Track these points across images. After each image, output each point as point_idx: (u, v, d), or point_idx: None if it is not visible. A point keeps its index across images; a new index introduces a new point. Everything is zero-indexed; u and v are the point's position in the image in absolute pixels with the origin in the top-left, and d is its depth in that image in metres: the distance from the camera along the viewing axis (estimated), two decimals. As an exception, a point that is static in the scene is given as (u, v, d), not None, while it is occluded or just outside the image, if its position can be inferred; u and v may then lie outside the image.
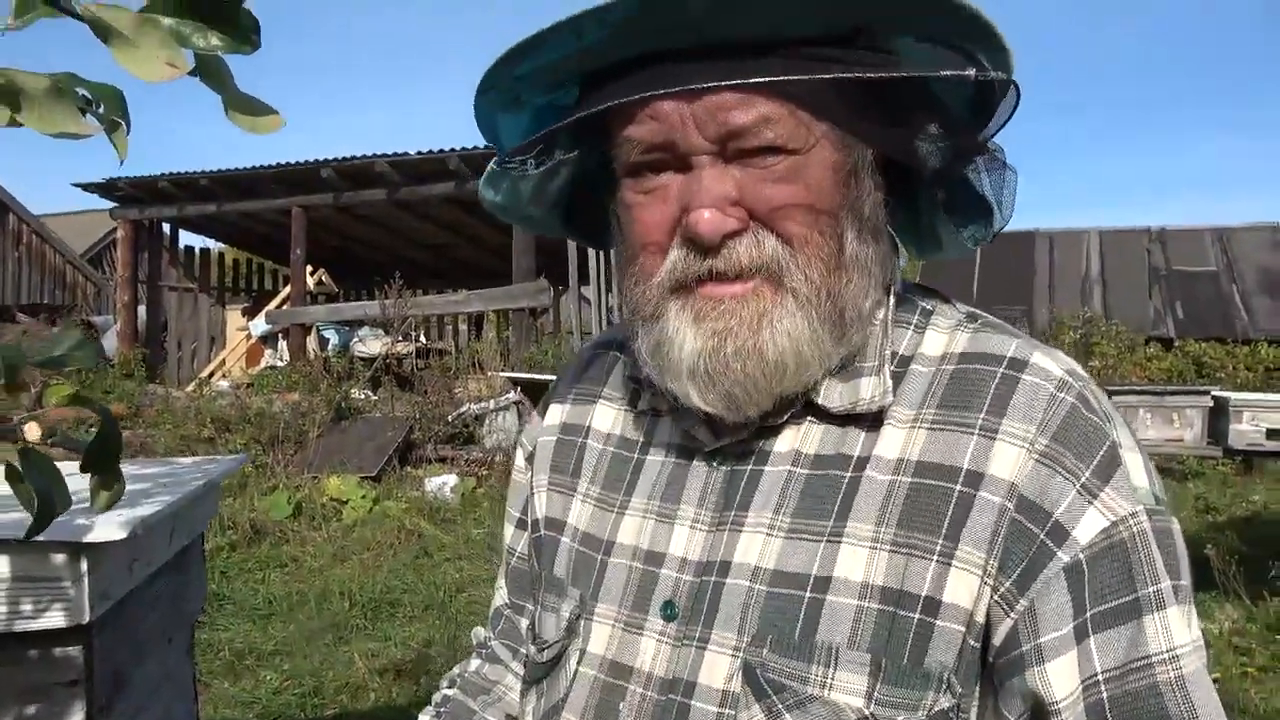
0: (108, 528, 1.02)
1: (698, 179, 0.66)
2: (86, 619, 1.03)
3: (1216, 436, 8.80)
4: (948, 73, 0.65)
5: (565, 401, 0.92)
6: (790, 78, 0.63)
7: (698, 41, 0.64)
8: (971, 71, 0.65)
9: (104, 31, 0.57)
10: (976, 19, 0.63)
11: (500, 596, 0.97)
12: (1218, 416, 8.82)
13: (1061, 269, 15.40)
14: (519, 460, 0.96)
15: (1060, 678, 0.64)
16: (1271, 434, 6.11)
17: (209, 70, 0.62)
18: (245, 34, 0.62)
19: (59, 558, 1.02)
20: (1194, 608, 0.66)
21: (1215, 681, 0.69)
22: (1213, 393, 9.12)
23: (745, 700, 0.67)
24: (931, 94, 0.70)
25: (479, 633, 1.00)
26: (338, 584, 4.70)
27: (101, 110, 0.77)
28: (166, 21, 0.59)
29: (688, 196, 0.67)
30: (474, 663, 0.97)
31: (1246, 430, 8.46)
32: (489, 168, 0.77)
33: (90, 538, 1.01)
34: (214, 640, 3.96)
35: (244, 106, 0.64)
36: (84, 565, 1.03)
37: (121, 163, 0.77)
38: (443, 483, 6.74)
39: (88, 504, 0.72)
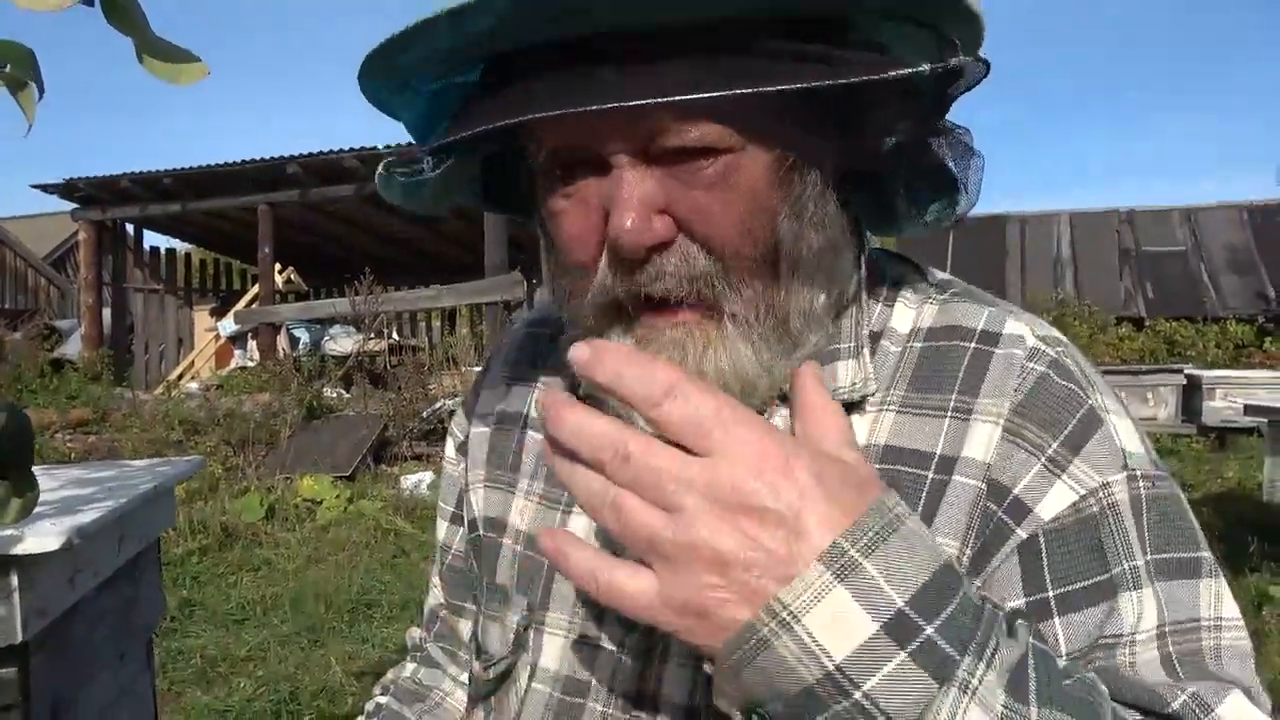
0: (41, 538, 0.93)
1: (617, 182, 0.56)
2: (20, 638, 0.94)
3: (1190, 414, 8.89)
4: (916, 69, 0.53)
5: (499, 386, 0.82)
6: (709, 95, 0.50)
7: (613, 26, 0.52)
8: (941, 64, 0.53)
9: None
10: None
11: (435, 596, 0.89)
12: (1191, 394, 8.90)
13: (1033, 251, 15.50)
14: (450, 450, 0.87)
15: None
16: (1249, 409, 6.15)
17: (115, 8, 0.53)
18: (159, -30, 0.54)
19: (-15, 573, 0.93)
20: (1209, 580, 0.58)
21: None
22: (1185, 370, 9.20)
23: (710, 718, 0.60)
24: (891, 81, 0.59)
25: (414, 634, 0.91)
26: (313, 586, 4.60)
27: (8, 70, 0.70)
28: (62, -48, 0.51)
29: (609, 200, 0.57)
30: (409, 667, 0.89)
31: (1219, 407, 8.54)
32: (379, 171, 0.64)
33: (20, 550, 0.92)
34: (185, 648, 3.85)
35: (160, 53, 0.55)
36: (14, 580, 0.93)
37: (30, 126, 0.69)
38: (419, 480, 6.62)
39: (-3, 514, 0.63)
